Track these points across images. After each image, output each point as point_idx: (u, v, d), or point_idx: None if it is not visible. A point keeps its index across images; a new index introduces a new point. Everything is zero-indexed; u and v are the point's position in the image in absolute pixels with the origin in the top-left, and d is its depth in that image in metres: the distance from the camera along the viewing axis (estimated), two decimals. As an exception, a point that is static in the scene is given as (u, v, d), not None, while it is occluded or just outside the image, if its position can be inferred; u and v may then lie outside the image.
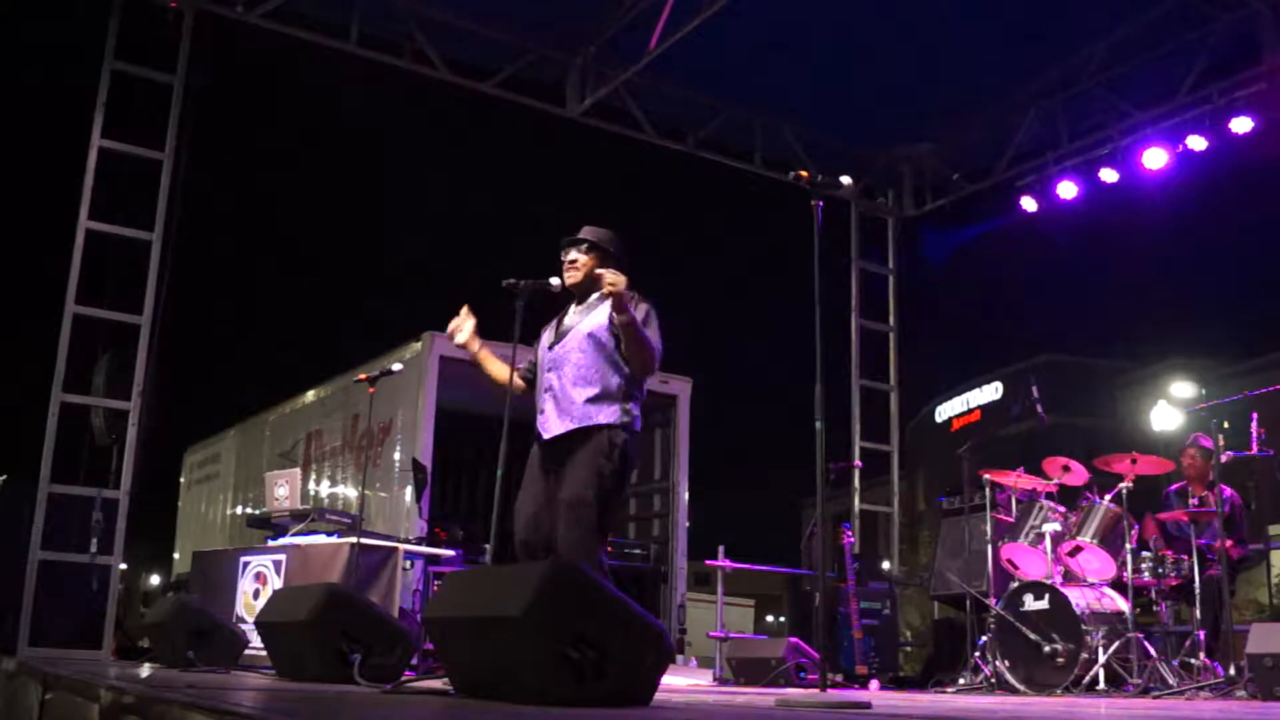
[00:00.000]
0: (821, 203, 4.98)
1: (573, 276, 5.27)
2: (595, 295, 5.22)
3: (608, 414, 5.02)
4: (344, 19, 10.63)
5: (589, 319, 5.15)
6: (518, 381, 5.40)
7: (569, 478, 4.94)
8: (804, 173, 5.02)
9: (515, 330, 5.32)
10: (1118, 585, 7.96)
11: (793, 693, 5.52)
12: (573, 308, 5.32)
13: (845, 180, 5.13)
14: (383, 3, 10.73)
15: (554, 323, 5.36)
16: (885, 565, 13.74)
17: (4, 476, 9.92)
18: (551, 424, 5.08)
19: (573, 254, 5.28)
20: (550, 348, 5.22)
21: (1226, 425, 7.83)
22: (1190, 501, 8.39)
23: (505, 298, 5.31)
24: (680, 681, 8.99)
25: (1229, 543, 7.78)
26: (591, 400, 5.03)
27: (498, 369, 5.41)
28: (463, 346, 5.38)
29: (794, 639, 9.28)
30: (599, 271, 4.91)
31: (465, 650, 3.90)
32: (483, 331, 5.44)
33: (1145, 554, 7.95)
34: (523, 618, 3.39)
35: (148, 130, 9.68)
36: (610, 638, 3.47)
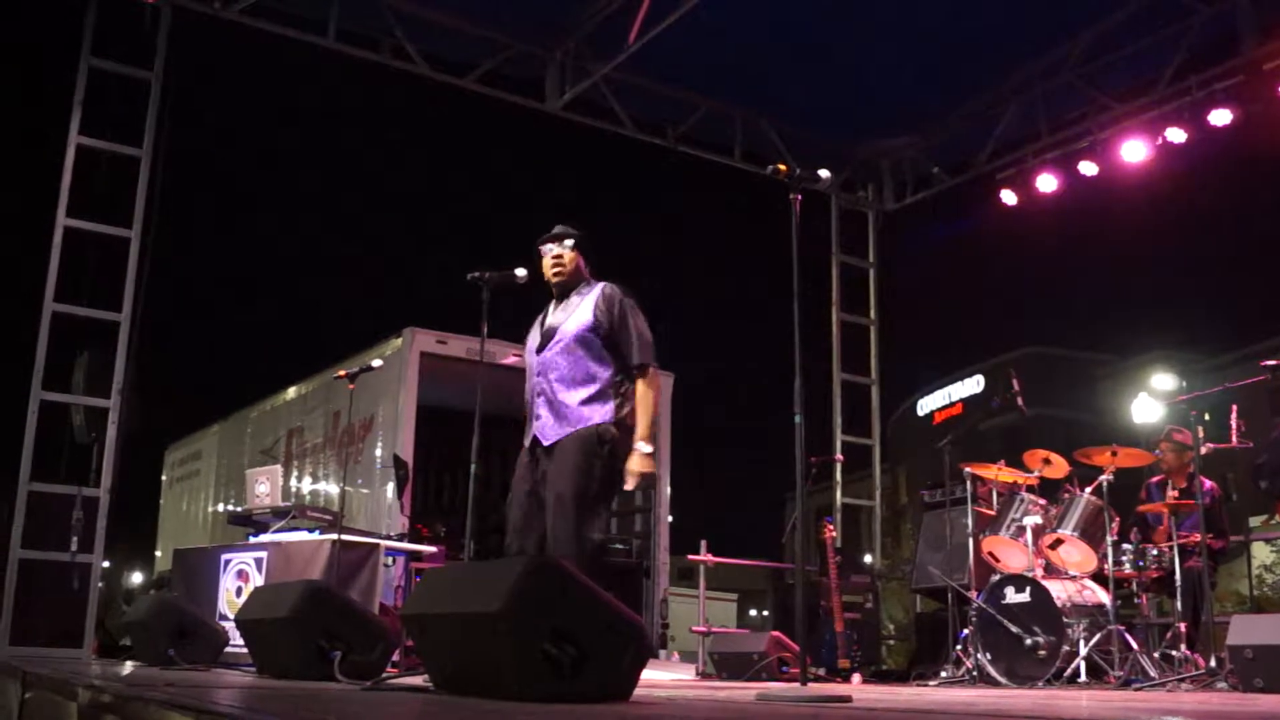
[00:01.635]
0: (800, 196, 4.98)
1: (560, 274, 5.27)
2: (574, 292, 5.23)
3: (602, 411, 5.06)
4: (322, 15, 10.58)
5: (573, 318, 5.16)
6: None
7: (560, 474, 4.95)
8: (782, 166, 5.02)
9: (483, 322, 5.32)
10: (1098, 578, 7.98)
11: (774, 687, 5.52)
12: (553, 306, 5.32)
13: (823, 174, 5.12)
14: (361, -2, 10.69)
15: (537, 324, 5.36)
16: (867, 559, 13.76)
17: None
18: (548, 430, 5.08)
19: (557, 250, 5.28)
20: (538, 352, 5.22)
21: (1207, 418, 7.85)
22: (1170, 494, 8.41)
23: (472, 290, 5.31)
24: (663, 676, 8.99)
25: (1210, 534, 7.81)
26: (585, 401, 5.06)
27: None
28: None
29: (776, 633, 9.30)
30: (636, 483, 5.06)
31: (444, 647, 3.90)
32: (451, 324, 5.48)
33: (1126, 546, 7.97)
34: (501, 614, 3.38)
35: (125, 127, 9.63)
36: (589, 634, 3.47)
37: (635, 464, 5.01)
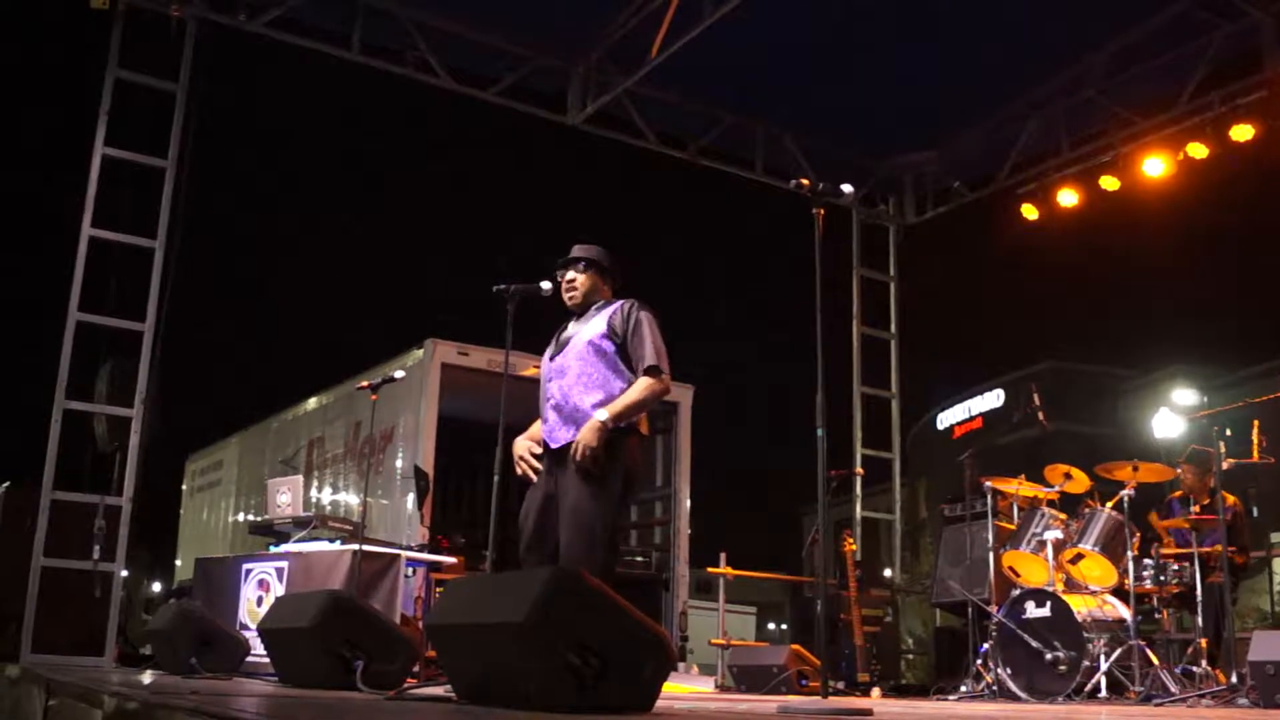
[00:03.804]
0: (823, 211, 4.99)
1: (573, 298, 5.30)
2: (593, 308, 5.25)
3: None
4: (346, 28, 10.66)
5: (589, 328, 5.17)
6: None
7: (573, 485, 4.93)
8: (805, 181, 5.03)
9: (507, 333, 5.35)
10: (1119, 593, 7.97)
11: (795, 700, 5.52)
12: (572, 323, 5.34)
13: (846, 188, 5.13)
14: (384, 12, 10.76)
15: (555, 339, 5.37)
16: (887, 573, 13.75)
17: (7, 484, 9.94)
18: (557, 432, 5.06)
19: (570, 274, 5.30)
20: (552, 359, 5.23)
21: (1229, 433, 7.83)
22: (1192, 509, 8.39)
23: (497, 302, 5.33)
24: (682, 689, 8.99)
25: (1231, 550, 7.78)
26: (596, 406, 5.01)
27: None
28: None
29: (796, 646, 9.29)
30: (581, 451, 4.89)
31: (467, 657, 3.91)
32: (472, 336, 5.50)
33: (1147, 561, 7.95)
34: (525, 625, 3.39)
35: (151, 138, 9.70)
36: (612, 645, 3.47)
37: (587, 429, 4.90)
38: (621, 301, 5.24)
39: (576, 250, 5.34)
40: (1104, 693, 7.33)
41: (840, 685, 9.27)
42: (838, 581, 9.91)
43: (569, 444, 4.99)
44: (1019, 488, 8.77)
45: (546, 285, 5.37)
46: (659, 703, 3.72)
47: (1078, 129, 12.06)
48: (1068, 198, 11.98)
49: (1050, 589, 7.85)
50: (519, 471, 5.18)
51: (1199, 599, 7.63)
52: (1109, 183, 11.60)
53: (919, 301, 15.07)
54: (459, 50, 11.22)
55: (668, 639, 3.76)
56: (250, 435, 15.76)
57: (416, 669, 6.74)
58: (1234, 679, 7.04)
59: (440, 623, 4.12)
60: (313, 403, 13.71)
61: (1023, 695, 7.64)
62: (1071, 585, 8.12)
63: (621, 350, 5.11)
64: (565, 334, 5.27)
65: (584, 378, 5.08)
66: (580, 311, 5.31)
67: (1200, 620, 7.64)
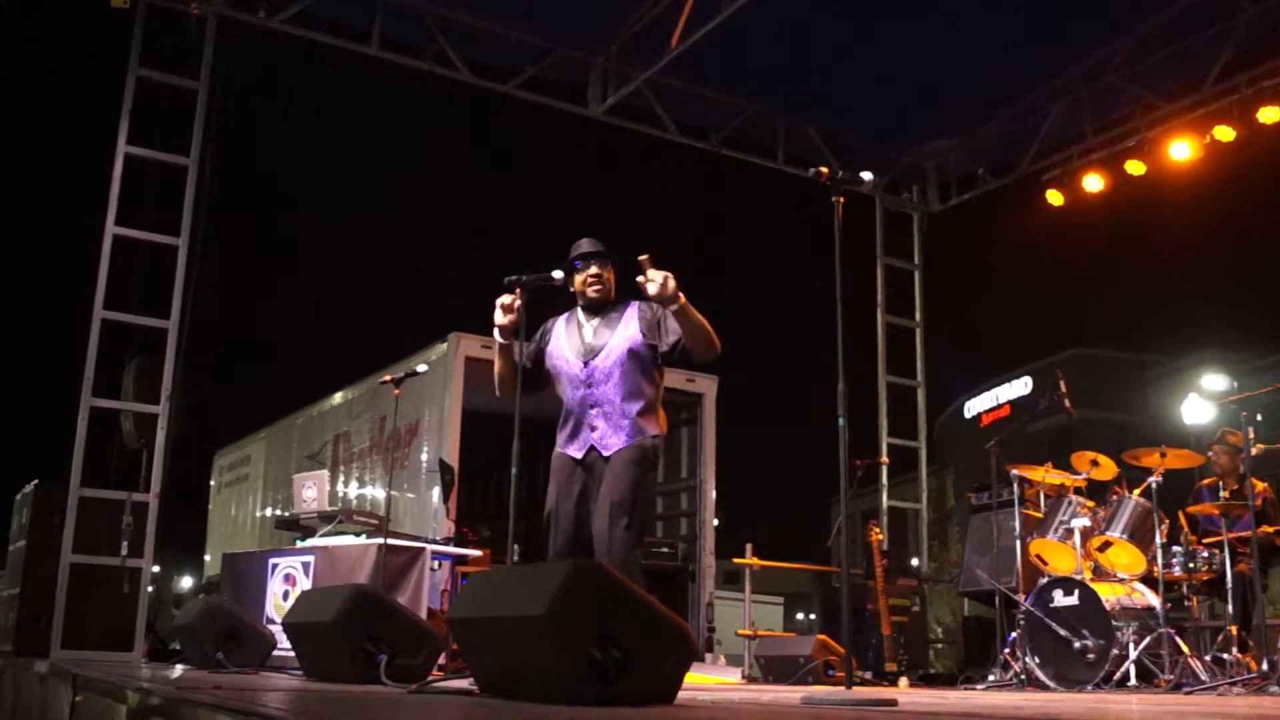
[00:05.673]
0: (843, 199, 4.97)
1: (601, 292, 5.35)
2: (612, 310, 5.36)
3: (653, 424, 5.21)
4: (366, 23, 10.67)
5: (621, 333, 5.25)
6: (506, 373, 5.43)
7: (615, 483, 5.05)
8: (824, 169, 5.02)
9: (521, 324, 5.37)
10: (1148, 580, 7.91)
11: (819, 690, 5.49)
12: (585, 319, 5.35)
13: (866, 176, 5.12)
14: (404, 7, 10.76)
15: (573, 334, 5.37)
16: (914, 562, 13.69)
17: (35, 481, 9.99)
18: (608, 439, 5.16)
19: (597, 269, 5.33)
20: (586, 363, 5.24)
21: (1259, 418, 7.76)
22: (1222, 495, 8.32)
23: (509, 292, 5.34)
24: (708, 679, 8.98)
25: (1264, 534, 7.72)
26: (641, 414, 5.18)
27: (506, 365, 5.41)
28: (505, 319, 5.31)
29: (823, 636, 9.27)
30: (647, 277, 4.92)
31: (489, 650, 3.91)
32: (483, 327, 5.53)
33: (1176, 548, 7.89)
34: (546, 617, 3.38)
35: (173, 136, 9.72)
36: (634, 637, 3.47)
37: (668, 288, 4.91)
38: (638, 303, 5.32)
39: (593, 245, 5.37)
40: (1133, 681, 7.28)
41: (868, 675, 9.24)
42: (863, 571, 9.88)
43: (617, 450, 5.08)
44: (1046, 475, 8.72)
45: (558, 274, 5.38)
46: (682, 694, 3.72)
47: (1102, 114, 11.98)
48: (1093, 183, 11.91)
49: (1078, 577, 7.80)
50: (499, 316, 5.26)
51: (1229, 586, 7.56)
52: (1135, 167, 11.52)
53: (944, 289, 15.01)
54: (478, 44, 11.21)
55: (689, 630, 3.75)
56: (277, 431, 15.83)
57: (442, 662, 6.75)
58: (1265, 666, 6.98)
59: (462, 616, 4.12)
60: (338, 398, 13.75)
61: (1051, 684, 7.60)
62: (1100, 573, 8.07)
63: (653, 350, 5.21)
64: (592, 340, 5.28)
65: (628, 384, 5.22)
66: (598, 309, 5.33)
67: (1230, 608, 7.58)
